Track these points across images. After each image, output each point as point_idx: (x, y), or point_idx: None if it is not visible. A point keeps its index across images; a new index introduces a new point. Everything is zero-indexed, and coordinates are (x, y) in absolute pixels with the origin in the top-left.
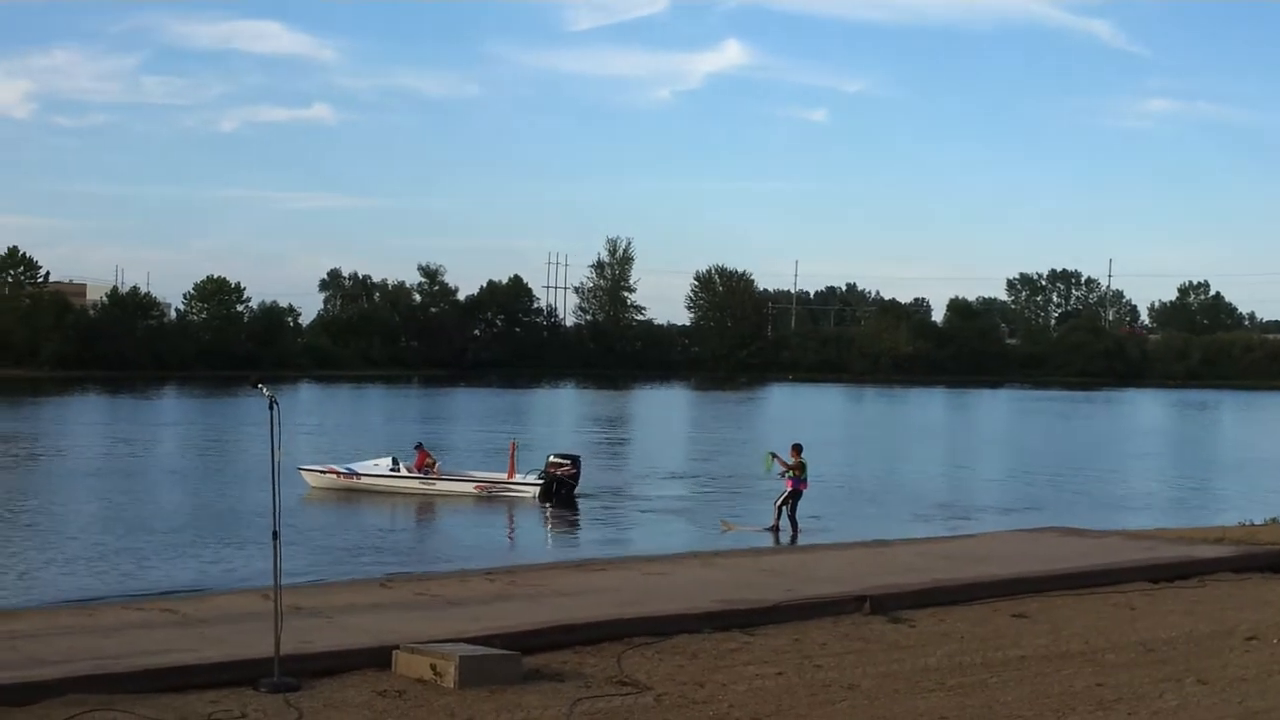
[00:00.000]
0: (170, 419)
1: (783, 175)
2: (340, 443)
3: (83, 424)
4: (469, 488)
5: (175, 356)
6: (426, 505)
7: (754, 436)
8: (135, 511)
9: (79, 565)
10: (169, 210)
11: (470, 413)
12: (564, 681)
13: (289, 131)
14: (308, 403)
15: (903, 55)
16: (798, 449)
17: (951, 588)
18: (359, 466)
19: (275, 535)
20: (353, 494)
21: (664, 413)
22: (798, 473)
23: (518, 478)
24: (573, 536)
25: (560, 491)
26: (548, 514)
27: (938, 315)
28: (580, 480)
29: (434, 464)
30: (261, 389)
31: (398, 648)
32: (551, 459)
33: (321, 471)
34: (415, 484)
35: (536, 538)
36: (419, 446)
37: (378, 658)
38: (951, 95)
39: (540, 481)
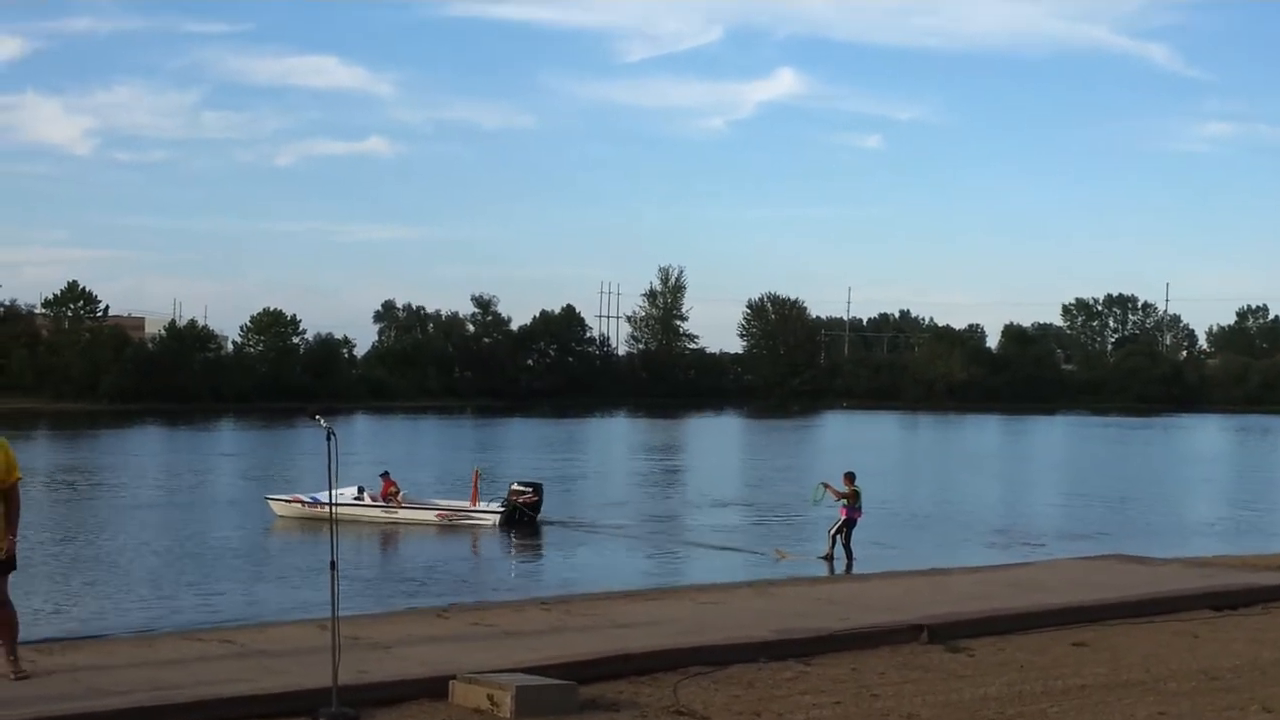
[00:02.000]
0: (228, 450)
1: (836, 202)
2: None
3: (141, 456)
4: (431, 516)
5: (232, 389)
6: (390, 534)
7: (807, 464)
8: (194, 543)
9: (137, 597)
10: (226, 243)
11: (524, 443)
12: (620, 711)
13: (344, 164)
14: (363, 434)
15: (957, 82)
16: (851, 477)
17: (1010, 616)
18: (322, 495)
19: (333, 565)
20: (318, 523)
21: (717, 441)
22: (851, 501)
23: (480, 505)
24: (626, 565)
25: (522, 519)
26: (511, 541)
27: (992, 341)
28: (542, 508)
29: (398, 493)
30: (319, 421)
31: (454, 678)
32: (514, 487)
33: (288, 500)
34: (378, 512)
35: (589, 567)
36: (384, 475)
37: (435, 688)
38: (1006, 121)
39: (501, 509)
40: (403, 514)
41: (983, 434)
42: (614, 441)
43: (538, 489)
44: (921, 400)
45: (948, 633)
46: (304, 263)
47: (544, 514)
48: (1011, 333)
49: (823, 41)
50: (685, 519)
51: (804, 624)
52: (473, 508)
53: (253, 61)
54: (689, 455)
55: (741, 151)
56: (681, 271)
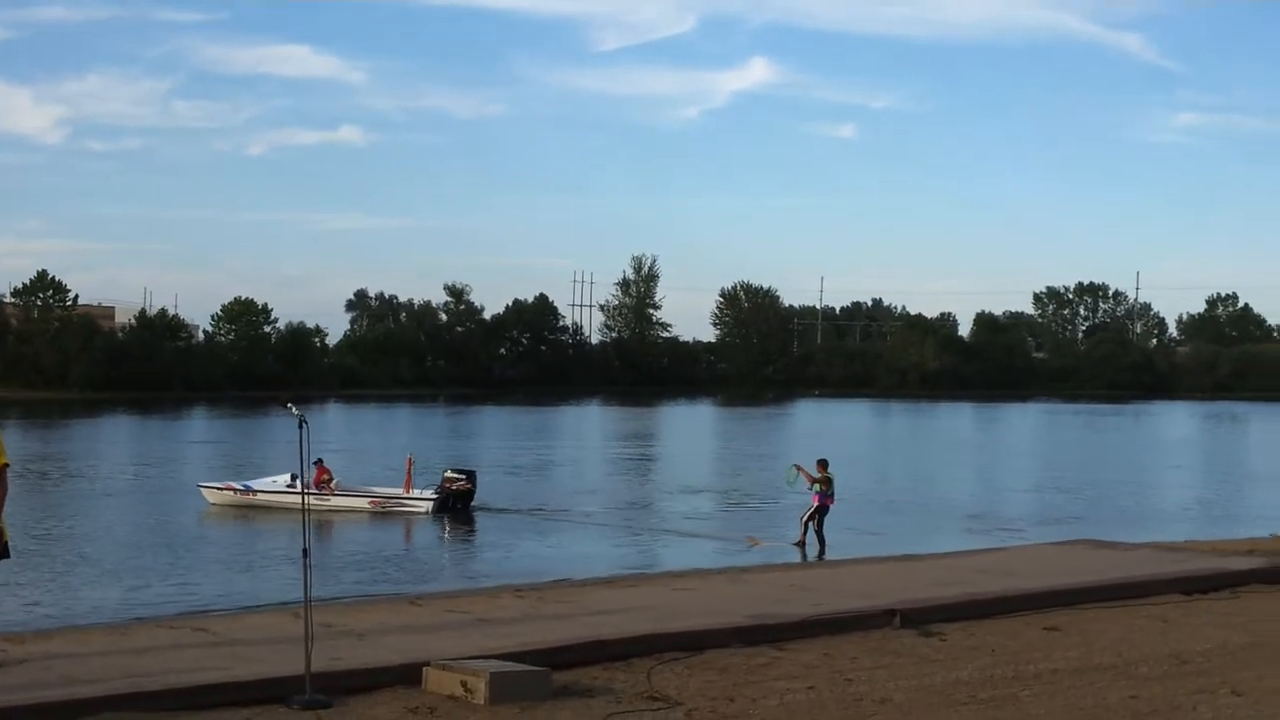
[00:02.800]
0: (199, 439)
1: (809, 191)
2: (365, 461)
3: (112, 444)
4: (364, 503)
5: (203, 378)
6: (324, 521)
7: (780, 452)
8: (164, 531)
9: (110, 585)
10: (197, 233)
11: (496, 431)
12: (594, 697)
13: (317, 154)
14: (335, 423)
15: (931, 71)
16: (824, 464)
17: (982, 601)
18: (255, 483)
19: (305, 553)
20: (250, 510)
21: (689, 429)
22: (824, 487)
23: (414, 493)
24: (599, 553)
25: (456, 506)
26: (445, 528)
27: (964, 330)
28: (476, 494)
29: (330, 480)
30: (291, 408)
31: (428, 664)
32: (447, 474)
33: (220, 488)
34: (310, 500)
35: (562, 554)
36: (318, 463)
37: (408, 675)
38: (979, 110)
39: (435, 496)
40: (335, 501)
41: (955, 421)
42: (587, 429)
43: (471, 476)
44: (894, 388)
45: (920, 618)
46: (276, 252)
47: (480, 501)
48: (983, 321)
49: (796, 30)
50: (656, 506)
51: (777, 610)
52: (406, 495)
53: (226, 50)
54: (661, 443)
55: (715, 141)
56: (655, 260)
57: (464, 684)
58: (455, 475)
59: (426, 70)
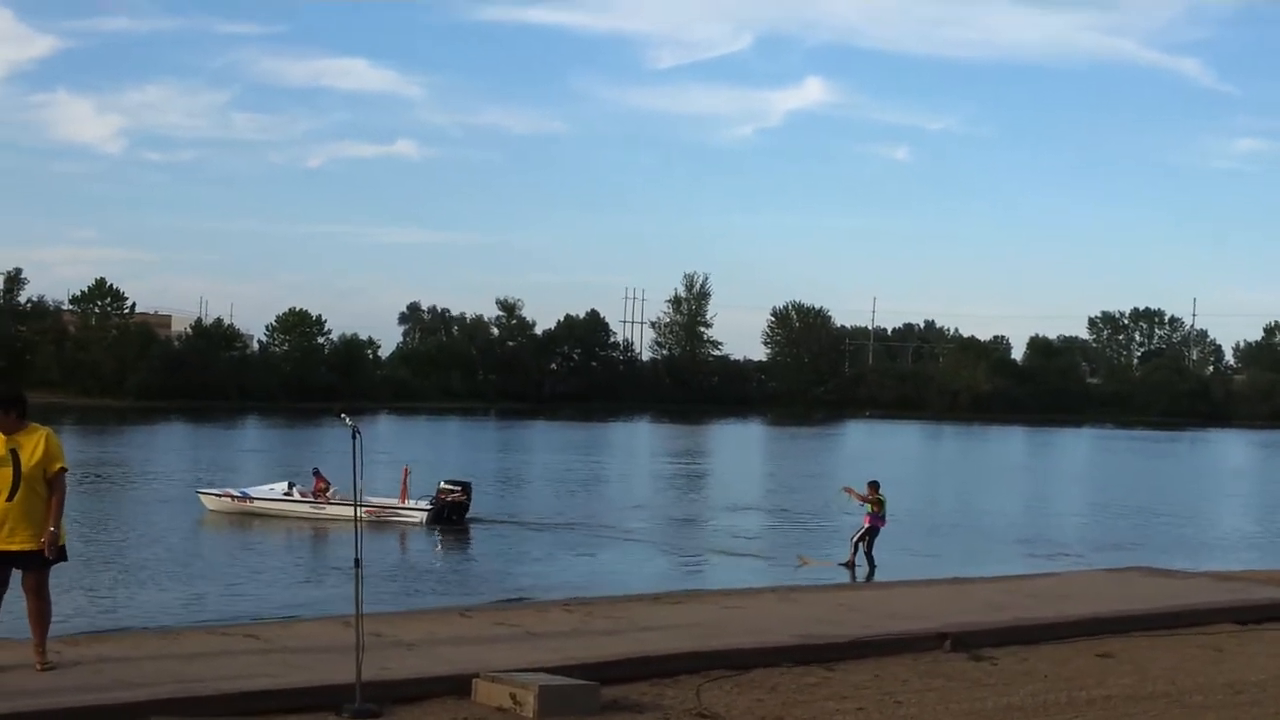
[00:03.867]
0: (252, 447)
1: (862, 212)
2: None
3: (167, 452)
4: (360, 513)
5: (257, 387)
6: (319, 530)
7: (830, 472)
8: (218, 539)
9: (162, 590)
10: (253, 244)
11: (546, 445)
12: (642, 713)
13: (373, 167)
14: (387, 434)
15: (987, 93)
16: (875, 486)
17: (1034, 626)
18: (253, 491)
19: (357, 563)
20: (247, 517)
21: (740, 448)
22: (875, 509)
23: (409, 503)
24: (647, 569)
25: (451, 517)
26: (438, 539)
27: (1018, 353)
28: (471, 507)
29: (328, 489)
30: (345, 419)
31: (477, 676)
32: (442, 485)
33: (218, 495)
34: (306, 508)
35: (610, 570)
36: (316, 472)
37: (457, 686)
38: (1036, 133)
39: (429, 507)
40: (330, 510)
41: (1007, 445)
42: (636, 446)
43: (466, 488)
44: (945, 411)
45: (971, 641)
46: (331, 264)
47: (475, 513)
48: (1037, 345)
49: (852, 50)
50: (704, 523)
51: (827, 630)
52: (401, 505)
53: (284, 63)
54: (711, 461)
55: (769, 159)
56: (707, 278)
57: (513, 696)
58: (450, 487)
59: (483, 86)
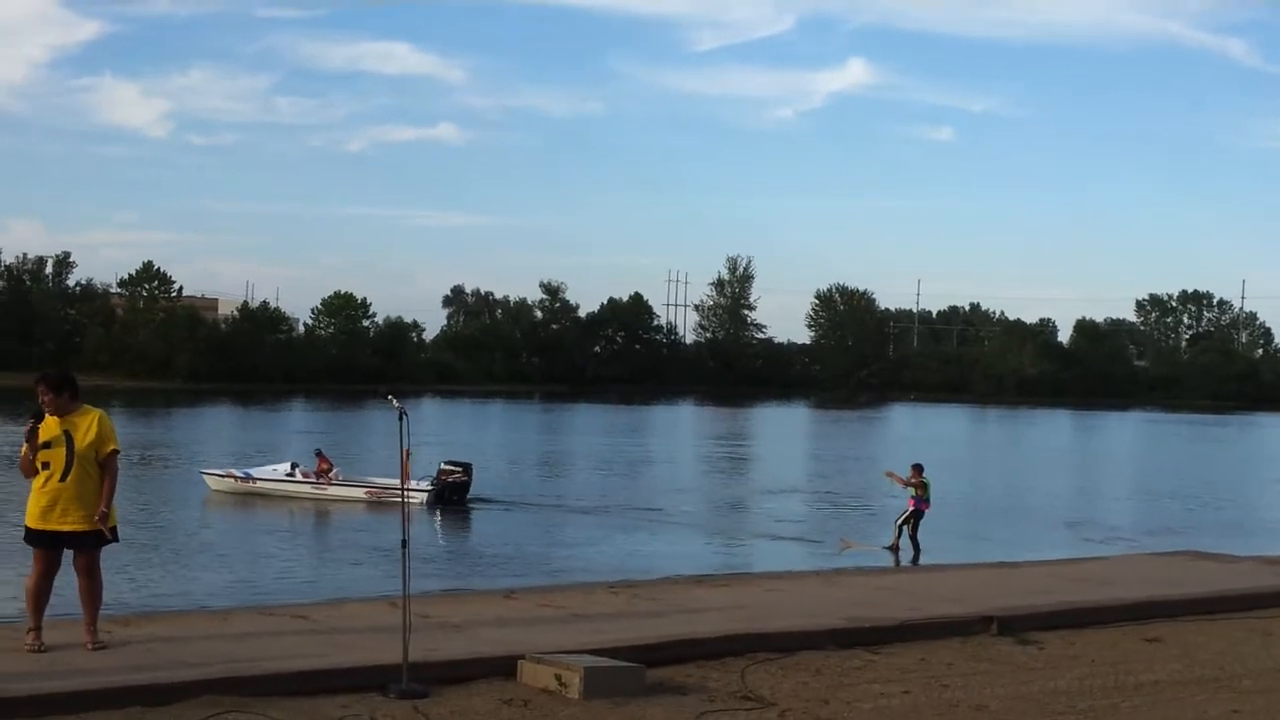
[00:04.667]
0: (299, 429)
1: (906, 194)
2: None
3: (215, 434)
4: (360, 493)
5: (303, 370)
6: (322, 510)
7: (874, 455)
8: (266, 520)
9: (211, 571)
10: (297, 227)
11: (590, 428)
12: (687, 695)
13: (415, 150)
14: (431, 417)
15: (1031, 74)
16: (919, 469)
17: (1080, 610)
18: (256, 471)
19: (404, 544)
20: (249, 497)
21: (783, 431)
22: (919, 492)
23: (410, 484)
24: (693, 552)
25: (452, 498)
26: (438, 519)
27: (1064, 336)
28: (472, 487)
29: (330, 470)
30: (391, 401)
31: (523, 657)
32: (443, 466)
33: (221, 475)
34: (308, 489)
35: (653, 551)
36: (319, 453)
37: (503, 667)
38: (1081, 114)
39: (430, 488)
40: (332, 490)
41: (1053, 429)
42: (679, 429)
43: (467, 469)
44: (991, 394)
45: (1017, 625)
46: (374, 247)
47: (476, 492)
48: (1084, 328)
49: (895, 31)
50: (747, 506)
51: (872, 613)
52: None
53: (325, 47)
54: (754, 444)
55: (811, 141)
56: (750, 261)
57: (558, 677)
58: (451, 468)
59: (524, 69)
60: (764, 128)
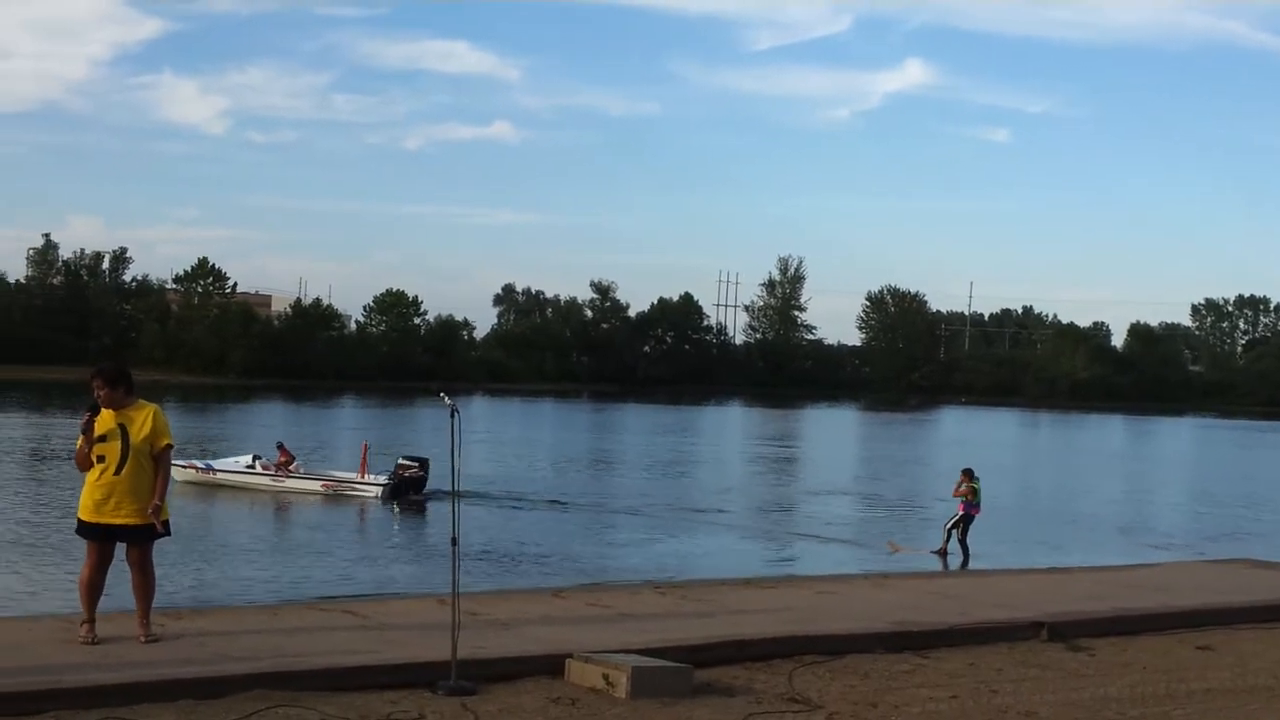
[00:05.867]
0: (349, 426)
1: (960, 196)
2: (506, 451)
3: (267, 429)
4: (316, 485)
5: (354, 367)
6: (281, 502)
7: (925, 457)
8: (313, 515)
9: (262, 567)
10: (351, 224)
11: (639, 427)
12: (734, 696)
13: (470, 149)
14: (481, 415)
15: (1089, 75)
16: (969, 473)
17: (1133, 617)
18: (217, 463)
19: (454, 542)
20: (210, 489)
21: (832, 433)
22: (969, 496)
23: (367, 478)
24: (741, 553)
25: (408, 492)
26: (395, 512)
27: (1118, 340)
28: (429, 483)
29: (291, 462)
30: (443, 398)
31: (571, 656)
32: (400, 461)
33: (184, 466)
34: (267, 480)
35: (700, 552)
36: (280, 445)
37: (551, 665)
38: (1139, 116)
39: (386, 482)
40: (290, 483)
41: (1106, 433)
42: (727, 429)
43: (424, 464)
44: (1043, 398)
45: (1068, 631)
46: (427, 245)
47: (434, 488)
48: (1138, 332)
49: (953, 31)
50: (794, 508)
51: (921, 617)
52: (358, 479)
53: (384, 45)
54: (803, 445)
55: (866, 142)
56: (801, 262)
57: (606, 677)
58: (408, 463)
59: (580, 69)
60: (819, 128)
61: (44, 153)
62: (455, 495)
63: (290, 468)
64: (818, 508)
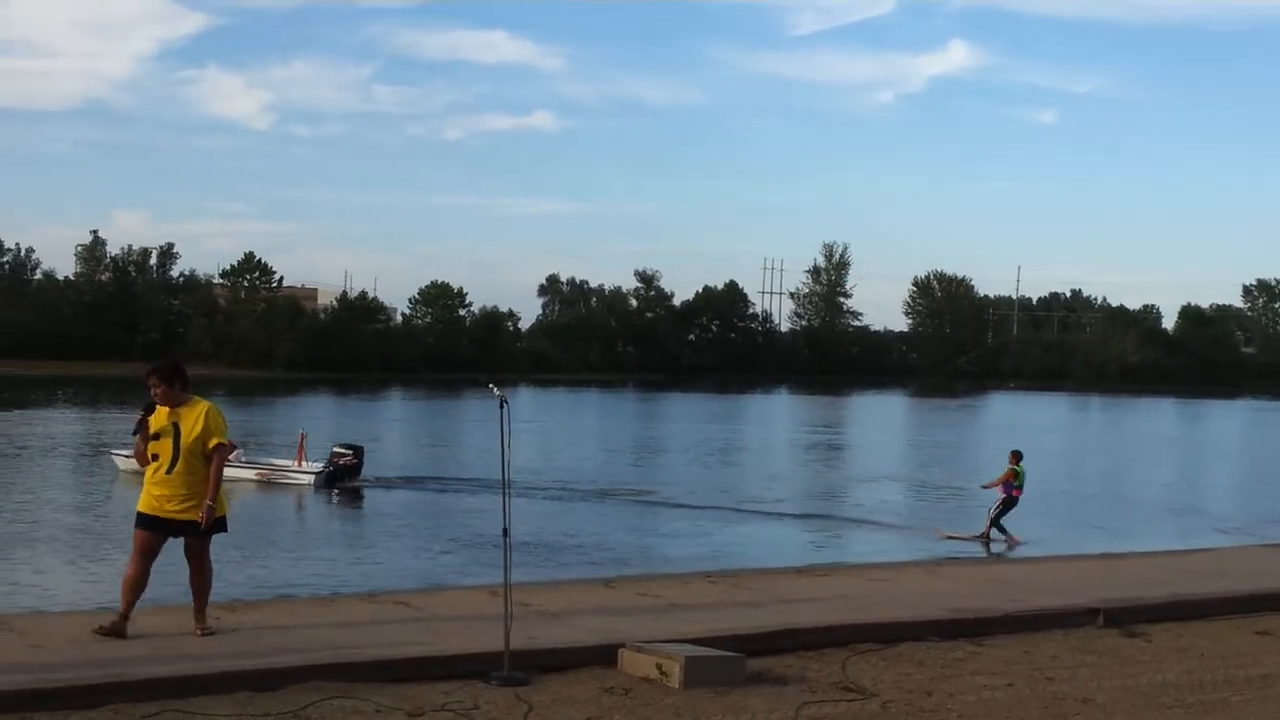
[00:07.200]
0: (395, 418)
1: (1007, 178)
2: (556, 441)
3: (317, 420)
4: (250, 474)
5: (400, 359)
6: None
7: (973, 442)
8: (365, 506)
9: (313, 560)
10: (394, 216)
11: (686, 416)
12: (788, 685)
13: (512, 139)
14: (527, 405)
15: (1137, 54)
16: (1017, 455)
17: (1189, 602)
18: None
19: (505, 532)
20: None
21: (880, 419)
22: (1015, 480)
23: (302, 465)
24: (791, 541)
25: (342, 480)
26: (332, 500)
27: (1168, 322)
28: (363, 470)
29: (231, 450)
30: (493, 389)
31: (623, 646)
32: (335, 449)
33: (127, 456)
34: None
35: (750, 540)
36: None
37: (603, 655)
38: (1189, 95)
39: (320, 470)
40: (227, 471)
41: (1158, 417)
42: (774, 417)
43: (358, 452)
44: (1092, 382)
45: (1124, 617)
46: (471, 236)
47: (368, 475)
48: (1189, 314)
49: (998, 12)
50: (847, 495)
51: (975, 604)
52: (294, 467)
53: (424, 36)
54: (850, 432)
55: (911, 126)
56: (846, 248)
57: (659, 666)
58: (342, 451)
59: (621, 56)
60: (863, 112)
61: (90, 150)
62: (506, 486)
63: (231, 456)
64: (867, 495)
